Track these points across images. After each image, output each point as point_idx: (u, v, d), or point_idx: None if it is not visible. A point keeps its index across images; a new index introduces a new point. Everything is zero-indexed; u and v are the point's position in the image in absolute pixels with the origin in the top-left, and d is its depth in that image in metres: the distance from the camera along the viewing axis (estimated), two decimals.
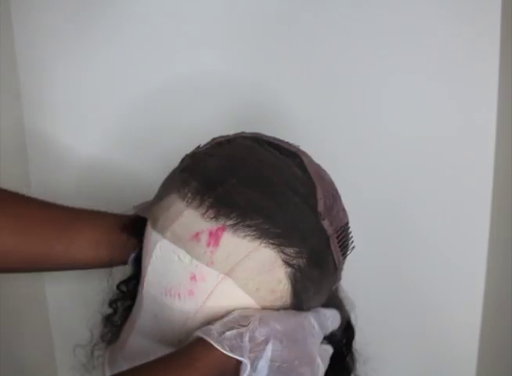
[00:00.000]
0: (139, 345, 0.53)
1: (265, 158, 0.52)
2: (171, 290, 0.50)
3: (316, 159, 0.81)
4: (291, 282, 0.49)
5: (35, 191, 0.63)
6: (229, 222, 0.47)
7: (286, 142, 0.56)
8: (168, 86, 0.80)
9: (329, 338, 0.53)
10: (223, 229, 0.47)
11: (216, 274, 0.48)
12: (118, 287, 0.60)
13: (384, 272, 0.83)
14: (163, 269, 0.50)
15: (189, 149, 0.56)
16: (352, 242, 0.55)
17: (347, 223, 0.55)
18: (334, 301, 0.55)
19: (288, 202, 0.49)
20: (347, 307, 0.57)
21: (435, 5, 0.76)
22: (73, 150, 0.82)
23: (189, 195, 0.49)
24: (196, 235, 0.48)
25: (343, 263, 0.55)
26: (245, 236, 0.47)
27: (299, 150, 0.55)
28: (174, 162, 0.55)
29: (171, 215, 0.49)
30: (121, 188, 0.81)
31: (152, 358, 0.45)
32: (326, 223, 0.51)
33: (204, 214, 0.48)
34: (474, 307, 0.84)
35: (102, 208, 0.62)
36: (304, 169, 0.53)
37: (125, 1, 0.78)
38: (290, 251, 0.48)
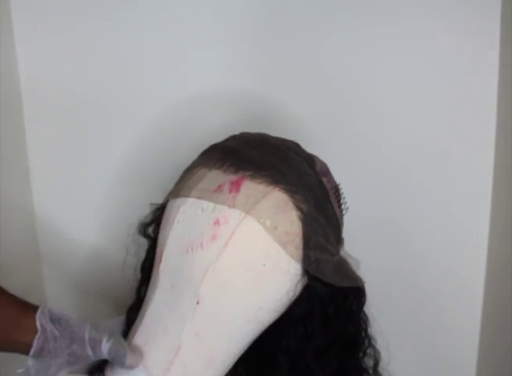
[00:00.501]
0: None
1: (271, 137, 0.61)
2: (192, 243, 0.53)
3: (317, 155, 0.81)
4: (302, 224, 0.54)
5: None
6: (247, 173, 0.54)
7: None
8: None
9: (341, 300, 0.56)
10: (243, 178, 0.54)
11: (238, 213, 0.52)
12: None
13: (383, 272, 0.83)
14: (184, 228, 0.54)
15: None
16: (346, 203, 0.61)
17: (339, 185, 0.61)
18: (345, 266, 0.58)
19: (293, 160, 0.57)
20: (355, 267, 0.60)
21: (435, 6, 0.76)
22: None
23: (211, 162, 0.56)
24: (219, 187, 0.54)
25: (342, 220, 0.61)
26: (261, 182, 0.53)
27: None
28: None
29: (196, 179, 0.56)
30: None
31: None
32: (324, 180, 0.58)
33: (226, 170, 0.55)
34: (474, 307, 0.84)
35: None
36: (302, 148, 0.61)
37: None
38: (298, 196, 0.54)
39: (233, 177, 0.54)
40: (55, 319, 0.52)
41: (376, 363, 0.63)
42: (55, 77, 0.80)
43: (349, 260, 0.59)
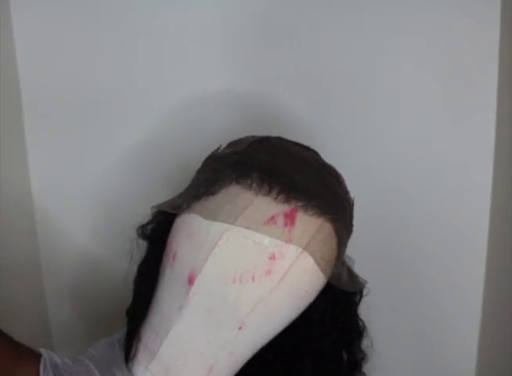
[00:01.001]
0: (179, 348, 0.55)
1: (298, 150, 0.60)
2: (242, 275, 0.52)
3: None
4: (338, 248, 0.56)
5: None
6: (300, 204, 0.53)
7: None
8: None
9: (346, 300, 0.59)
10: (296, 210, 0.52)
11: (295, 249, 0.52)
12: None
13: (383, 273, 0.83)
14: (229, 257, 0.52)
15: None
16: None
17: (354, 198, 0.61)
18: (352, 271, 0.61)
19: (330, 183, 0.57)
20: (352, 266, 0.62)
21: (435, 6, 0.76)
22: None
23: (255, 185, 0.53)
24: (272, 218, 0.52)
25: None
26: (312, 214, 0.53)
27: (311, 147, 0.63)
28: None
29: (240, 204, 0.53)
30: None
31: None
32: (349, 197, 0.59)
33: (276, 199, 0.52)
34: (474, 308, 0.84)
35: None
36: (321, 158, 0.62)
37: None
38: (338, 223, 0.55)
39: (286, 208, 0.52)
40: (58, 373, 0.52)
41: (363, 357, 0.65)
42: (55, 77, 0.80)
43: (348, 261, 0.61)
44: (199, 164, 0.60)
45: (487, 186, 0.80)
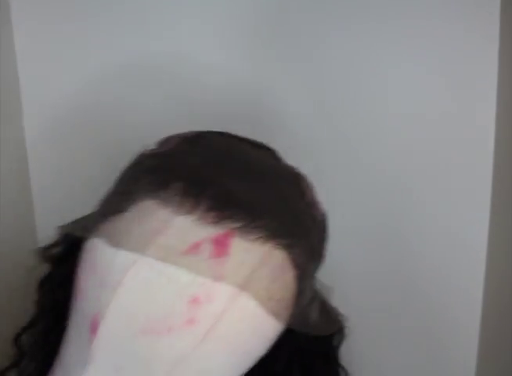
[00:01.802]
0: None
1: (247, 151, 0.46)
2: (154, 325, 0.38)
3: (316, 158, 0.81)
4: (296, 283, 0.42)
5: None
6: (236, 225, 0.39)
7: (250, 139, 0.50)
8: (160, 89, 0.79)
9: (321, 345, 0.47)
10: (230, 234, 0.39)
11: (229, 290, 0.38)
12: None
13: (382, 272, 0.83)
14: (139, 300, 0.39)
15: None
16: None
17: (325, 212, 0.49)
18: (326, 306, 0.48)
19: (288, 195, 0.43)
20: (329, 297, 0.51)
21: (435, 5, 0.76)
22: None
23: (176, 199, 0.39)
24: (195, 246, 0.38)
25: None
26: (255, 239, 0.39)
27: (265, 144, 0.50)
28: None
29: (153, 227, 0.39)
30: None
31: None
32: (316, 213, 0.46)
33: (202, 219, 0.38)
34: (474, 307, 0.84)
35: None
36: (281, 160, 0.48)
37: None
38: (296, 249, 0.42)
39: (216, 231, 0.38)
40: None
41: None
42: (55, 77, 0.80)
43: (323, 291, 0.50)
44: None
45: (487, 186, 0.80)
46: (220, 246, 0.38)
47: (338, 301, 0.81)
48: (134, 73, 0.80)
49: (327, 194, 0.81)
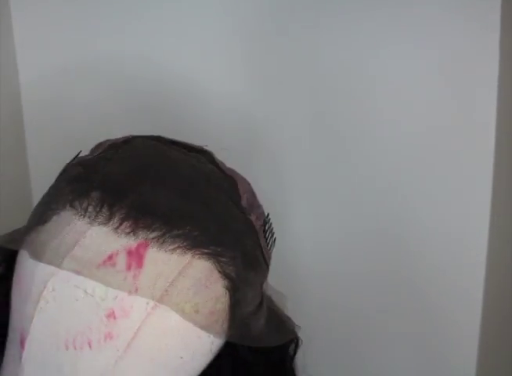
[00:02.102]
0: None
1: (174, 156, 0.44)
2: (75, 340, 0.37)
3: (316, 158, 0.81)
4: (230, 295, 0.40)
5: None
6: (152, 235, 0.37)
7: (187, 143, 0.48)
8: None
9: (249, 361, 0.44)
10: (146, 244, 0.37)
11: (144, 303, 0.37)
12: None
13: (382, 273, 0.83)
14: (59, 315, 0.38)
15: None
16: (274, 233, 0.47)
17: (268, 215, 0.47)
18: (275, 314, 0.46)
19: (215, 201, 0.42)
20: (282, 305, 0.49)
21: (435, 3, 0.76)
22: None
23: (91, 209, 0.38)
24: (110, 258, 0.37)
25: (270, 258, 0.47)
26: (174, 249, 0.38)
27: (203, 147, 0.48)
28: None
29: (68, 238, 0.38)
30: None
31: None
32: (253, 218, 0.44)
33: (117, 229, 0.37)
34: (474, 307, 0.84)
35: None
36: (217, 165, 0.46)
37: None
38: (224, 258, 0.39)
39: (131, 243, 0.37)
40: None
41: None
42: (54, 77, 0.80)
43: (274, 297, 0.48)
44: None
45: (487, 186, 0.80)
46: (134, 257, 0.37)
47: (338, 302, 0.82)
48: (132, 74, 0.80)
49: (327, 196, 0.82)
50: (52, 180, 0.81)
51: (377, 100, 0.79)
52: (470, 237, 0.82)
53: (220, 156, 0.48)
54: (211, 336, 0.40)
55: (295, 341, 0.46)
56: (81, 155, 0.47)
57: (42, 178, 0.80)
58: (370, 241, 0.81)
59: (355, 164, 0.80)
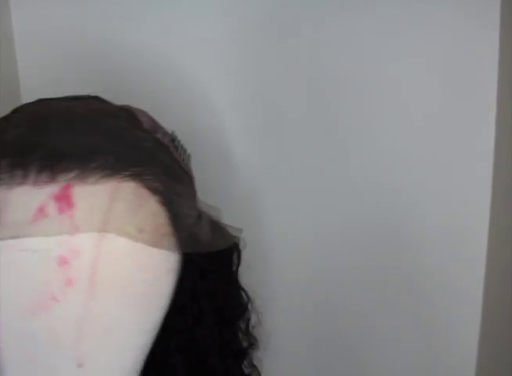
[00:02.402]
0: None
1: (64, 104, 0.45)
2: (39, 301, 0.38)
3: (316, 157, 0.81)
4: (166, 209, 0.42)
5: None
6: (72, 175, 0.38)
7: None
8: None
9: (220, 264, 0.47)
10: (69, 185, 0.38)
11: (89, 238, 0.38)
12: None
13: (381, 269, 0.83)
14: (15, 284, 0.38)
15: None
16: (186, 149, 0.49)
17: (174, 132, 0.48)
18: (216, 223, 0.48)
19: (117, 129, 0.42)
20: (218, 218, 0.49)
21: (435, 2, 0.76)
22: None
23: (4, 175, 0.38)
24: (40, 210, 0.37)
25: (191, 170, 0.49)
26: (97, 180, 0.38)
27: (90, 94, 0.49)
28: None
29: None
30: None
31: None
32: (159, 136, 0.45)
33: (36, 182, 0.38)
34: (474, 307, 0.84)
35: None
36: (109, 102, 0.47)
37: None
38: (147, 176, 0.41)
39: (54, 188, 0.37)
40: None
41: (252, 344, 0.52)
42: (54, 77, 0.80)
43: (212, 212, 0.49)
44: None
45: (487, 186, 0.80)
46: (63, 200, 0.38)
47: (337, 299, 0.82)
48: (133, 69, 0.79)
49: (327, 195, 0.82)
50: None
51: (377, 100, 0.79)
52: (469, 236, 0.82)
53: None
54: (164, 252, 0.41)
55: (236, 247, 0.49)
56: None
57: None
58: (370, 239, 0.81)
59: (354, 163, 0.81)
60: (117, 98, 0.79)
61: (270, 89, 0.79)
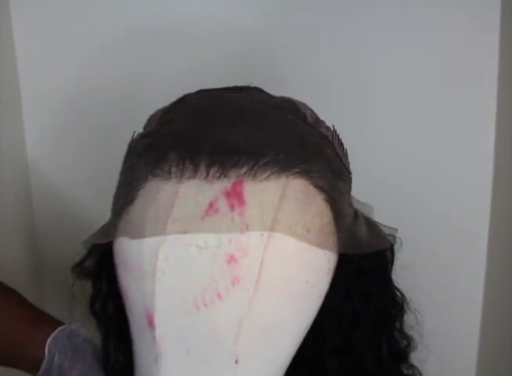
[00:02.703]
0: None
1: (230, 96, 0.44)
2: (203, 298, 0.38)
3: None
4: (330, 208, 0.40)
5: None
6: (243, 170, 0.37)
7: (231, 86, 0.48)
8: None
9: (365, 269, 0.44)
10: (240, 181, 0.37)
11: (259, 236, 0.37)
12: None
13: None
14: (179, 279, 0.38)
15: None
16: (343, 144, 0.48)
17: (334, 125, 0.47)
18: (371, 222, 0.47)
19: (285, 123, 0.42)
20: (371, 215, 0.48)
21: (435, 4, 0.76)
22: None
23: (174, 169, 0.38)
24: (211, 206, 0.37)
25: (349, 166, 0.48)
26: (268, 176, 0.38)
27: (249, 85, 0.48)
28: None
29: (163, 204, 0.38)
30: None
31: None
32: (323, 130, 0.45)
33: (207, 177, 0.37)
34: (474, 308, 0.84)
35: None
36: (269, 93, 0.47)
37: None
38: (314, 173, 0.40)
39: (225, 184, 0.37)
40: (69, 346, 0.45)
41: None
42: (54, 76, 0.80)
43: (363, 209, 0.47)
44: None
45: (487, 186, 0.80)
46: (234, 197, 0.37)
47: None
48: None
49: None
50: (51, 180, 0.83)
51: (377, 100, 0.79)
52: (470, 236, 0.82)
53: None
54: (327, 253, 0.40)
55: (391, 246, 0.47)
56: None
57: (42, 177, 0.83)
58: None
59: (354, 163, 0.80)
60: (117, 97, 0.80)
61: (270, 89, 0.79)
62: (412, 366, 0.50)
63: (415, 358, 0.85)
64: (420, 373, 0.51)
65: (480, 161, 0.80)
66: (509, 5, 0.74)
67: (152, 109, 0.79)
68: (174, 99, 0.46)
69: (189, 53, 0.78)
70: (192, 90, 0.47)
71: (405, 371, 0.49)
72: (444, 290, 0.83)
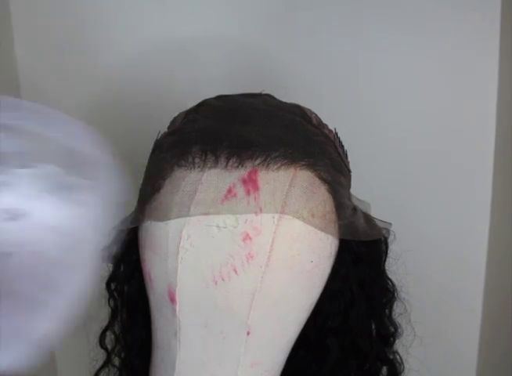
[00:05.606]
0: None
1: (246, 99, 0.51)
2: (221, 272, 0.43)
3: None
4: (332, 197, 0.46)
5: None
6: (258, 161, 0.43)
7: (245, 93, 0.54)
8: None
9: (362, 256, 0.49)
10: (255, 170, 0.43)
11: (270, 217, 0.43)
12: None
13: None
14: (199, 256, 0.43)
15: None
16: (344, 145, 0.54)
17: (335, 129, 0.53)
18: (368, 215, 0.51)
19: (294, 123, 0.48)
20: (367, 210, 0.53)
21: (435, 3, 0.76)
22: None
23: (197, 160, 0.44)
24: (229, 191, 0.43)
25: (349, 165, 0.54)
26: (279, 167, 0.43)
27: (261, 92, 0.54)
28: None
29: (188, 190, 0.43)
30: None
31: None
32: (326, 131, 0.51)
33: (226, 166, 0.43)
34: (474, 307, 0.84)
35: None
36: (279, 100, 0.53)
37: None
38: (319, 166, 0.45)
39: (242, 172, 0.43)
40: None
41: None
42: (54, 76, 0.80)
43: (361, 206, 0.52)
44: None
45: (487, 182, 0.81)
46: (249, 183, 0.43)
47: None
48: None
49: None
50: None
51: (377, 100, 0.79)
52: (470, 236, 0.82)
53: None
54: (329, 237, 0.46)
55: (385, 239, 0.52)
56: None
57: None
58: None
59: (353, 162, 0.80)
60: (117, 98, 0.80)
61: (270, 89, 0.79)
62: (394, 353, 0.56)
63: (415, 354, 0.85)
64: (401, 360, 0.57)
65: (480, 161, 0.80)
66: (509, 5, 0.74)
67: (154, 106, 0.80)
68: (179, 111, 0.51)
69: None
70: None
71: (389, 356, 0.55)
72: (444, 290, 0.83)
